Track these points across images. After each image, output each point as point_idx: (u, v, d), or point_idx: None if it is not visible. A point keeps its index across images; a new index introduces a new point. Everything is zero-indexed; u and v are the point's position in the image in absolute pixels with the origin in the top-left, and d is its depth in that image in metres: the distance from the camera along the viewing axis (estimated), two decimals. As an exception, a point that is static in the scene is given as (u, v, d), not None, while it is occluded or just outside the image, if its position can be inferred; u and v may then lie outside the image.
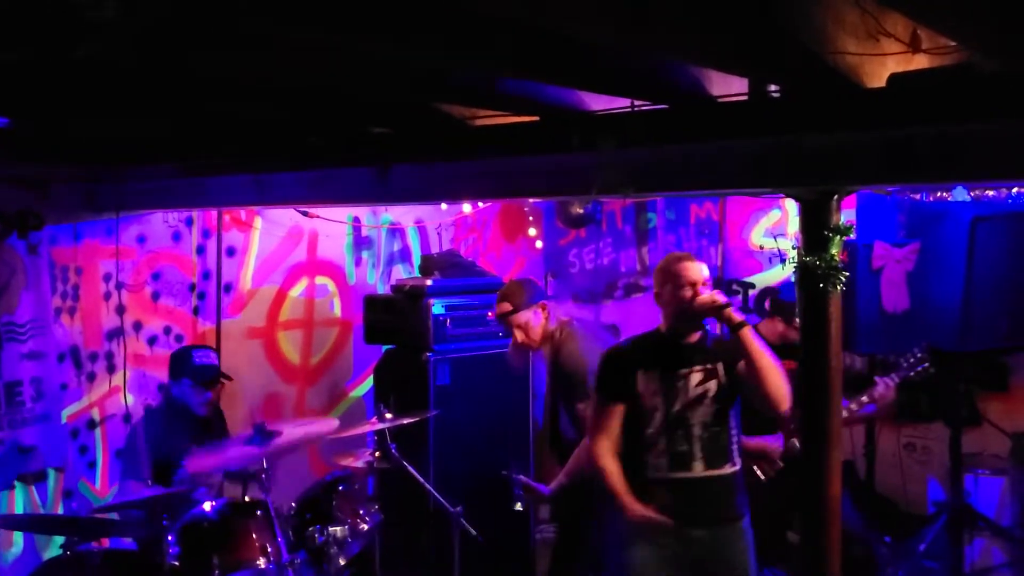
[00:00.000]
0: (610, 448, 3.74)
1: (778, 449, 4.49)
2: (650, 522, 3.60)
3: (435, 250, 6.52)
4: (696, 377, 3.70)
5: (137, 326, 5.38)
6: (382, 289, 6.25)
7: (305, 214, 5.80)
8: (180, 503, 4.15)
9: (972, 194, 4.68)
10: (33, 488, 5.04)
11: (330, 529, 4.28)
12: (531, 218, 6.88)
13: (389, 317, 5.67)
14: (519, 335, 4.54)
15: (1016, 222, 4.63)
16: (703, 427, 3.68)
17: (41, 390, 5.01)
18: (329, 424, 4.80)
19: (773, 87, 2.83)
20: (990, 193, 4.72)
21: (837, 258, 2.82)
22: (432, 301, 5.44)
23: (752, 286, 5.99)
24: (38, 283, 4.99)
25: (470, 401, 5.45)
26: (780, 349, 4.64)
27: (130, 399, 5.28)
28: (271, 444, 4.19)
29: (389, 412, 4.65)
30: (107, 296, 5.28)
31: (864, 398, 4.51)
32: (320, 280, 6.12)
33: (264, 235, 5.84)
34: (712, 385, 3.70)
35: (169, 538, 3.93)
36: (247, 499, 4.36)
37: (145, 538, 4.22)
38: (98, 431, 5.28)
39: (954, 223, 4.57)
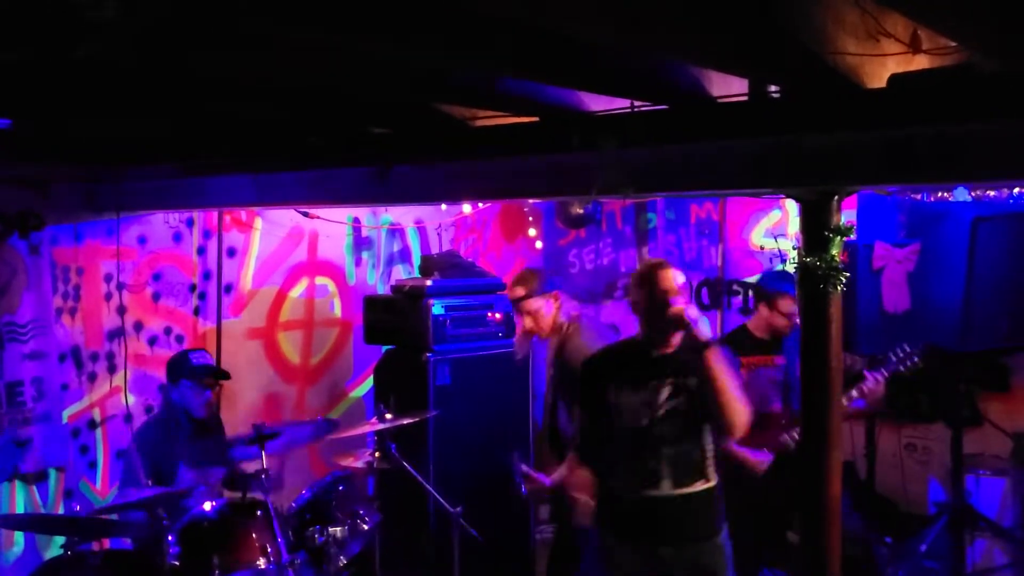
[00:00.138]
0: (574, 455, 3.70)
1: (761, 463, 4.49)
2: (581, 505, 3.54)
3: (435, 250, 6.52)
4: (666, 391, 3.56)
5: (138, 326, 5.38)
6: (382, 289, 6.25)
7: (305, 215, 5.80)
8: (180, 503, 4.15)
9: (973, 194, 4.68)
10: (34, 488, 5.04)
11: (330, 529, 4.28)
12: (531, 218, 6.88)
13: (389, 317, 5.67)
14: (528, 322, 4.55)
15: (1017, 222, 4.63)
16: (673, 443, 3.55)
17: (42, 390, 5.01)
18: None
19: (773, 87, 2.83)
20: (991, 193, 4.73)
21: (837, 258, 2.81)
22: (432, 301, 5.44)
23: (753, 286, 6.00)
24: (39, 283, 5.00)
25: (470, 401, 5.44)
26: (770, 344, 4.68)
27: (131, 399, 5.28)
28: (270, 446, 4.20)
29: (389, 412, 4.65)
30: (108, 296, 5.28)
31: (854, 392, 4.50)
32: (320, 280, 6.12)
33: (264, 236, 5.84)
34: (683, 400, 3.56)
35: (169, 538, 3.94)
36: (247, 499, 4.36)
37: (145, 538, 4.22)
38: (99, 431, 5.28)
39: (955, 223, 4.57)
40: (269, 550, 4.02)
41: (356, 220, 6.21)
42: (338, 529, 4.30)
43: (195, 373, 4.61)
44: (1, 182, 4.79)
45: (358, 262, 6.27)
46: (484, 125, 3.57)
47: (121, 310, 5.30)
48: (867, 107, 2.57)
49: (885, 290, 4.72)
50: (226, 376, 4.93)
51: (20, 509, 4.98)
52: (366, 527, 4.46)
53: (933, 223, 4.73)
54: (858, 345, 4.52)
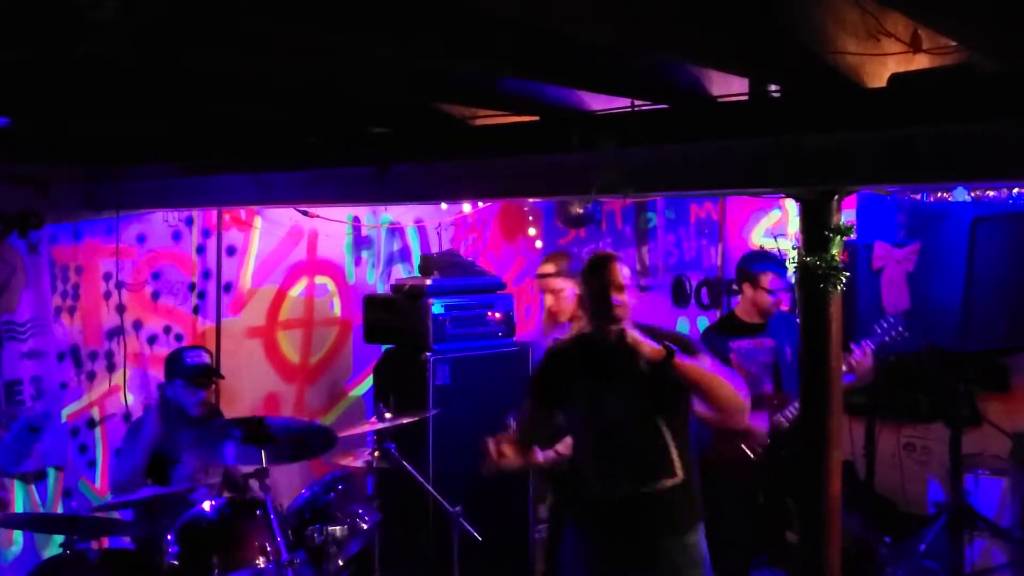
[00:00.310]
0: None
1: (763, 429, 4.51)
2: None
3: (435, 250, 6.52)
4: (626, 389, 3.43)
5: (137, 325, 5.38)
6: (382, 289, 6.25)
7: (305, 214, 5.80)
8: (179, 503, 4.15)
9: (972, 194, 4.69)
10: (33, 487, 5.04)
11: (329, 529, 4.28)
12: (531, 218, 6.88)
13: (389, 317, 5.67)
14: (550, 300, 4.62)
15: (1016, 222, 4.63)
16: (634, 440, 3.43)
17: (41, 389, 5.01)
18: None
19: (773, 87, 2.82)
20: (990, 193, 4.73)
21: (837, 258, 2.81)
22: (432, 301, 5.44)
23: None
24: (38, 282, 5.00)
25: (469, 401, 5.44)
26: (758, 326, 4.69)
27: (130, 398, 5.29)
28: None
29: (388, 412, 4.64)
30: (107, 295, 5.28)
31: (843, 367, 4.51)
32: (320, 280, 6.12)
33: (264, 234, 5.84)
34: (644, 398, 3.42)
35: (168, 537, 3.94)
36: (246, 498, 4.36)
37: (144, 537, 4.22)
38: (98, 430, 5.28)
39: (954, 223, 4.57)
40: (268, 549, 4.02)
41: (356, 219, 6.21)
42: (337, 528, 4.30)
43: (188, 373, 4.61)
44: (1, 181, 4.79)
45: (358, 261, 6.27)
46: (484, 124, 3.56)
47: (120, 309, 5.30)
48: (867, 107, 2.57)
49: (884, 290, 4.73)
50: (219, 375, 4.93)
51: (19, 508, 4.98)
52: (365, 526, 4.46)
53: (933, 223, 4.73)
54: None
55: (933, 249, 4.67)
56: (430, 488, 4.73)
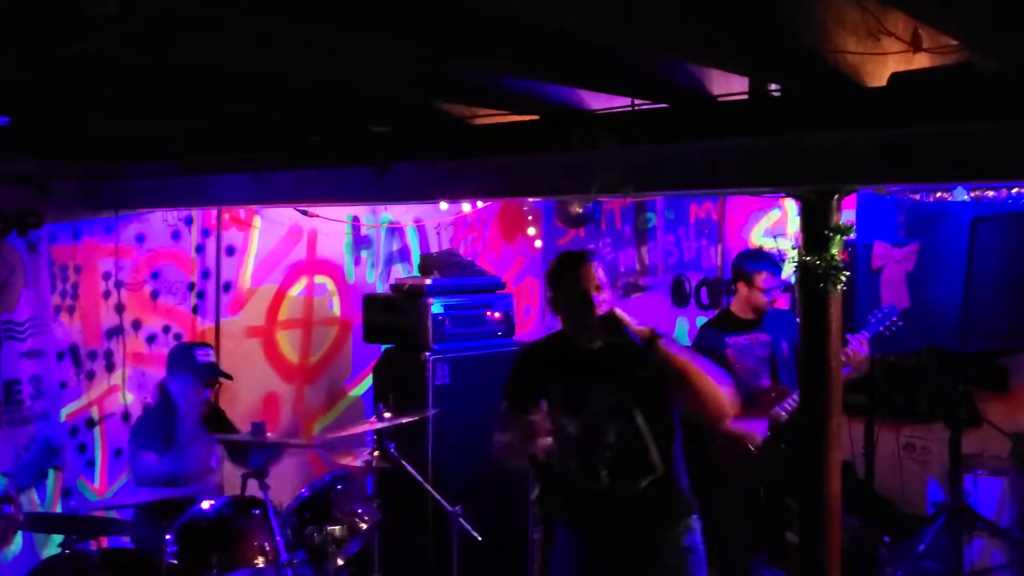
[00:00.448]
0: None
1: (757, 436, 4.54)
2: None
3: (434, 249, 6.51)
4: (596, 388, 3.38)
5: (136, 325, 5.38)
6: (381, 288, 6.25)
7: (304, 213, 5.79)
8: (178, 502, 4.15)
9: (972, 194, 4.68)
10: (32, 486, 5.03)
11: (329, 528, 4.27)
12: (530, 217, 6.88)
13: (388, 316, 5.67)
14: None
15: (1016, 222, 4.63)
16: (613, 440, 3.37)
17: (40, 388, 5.00)
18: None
19: (773, 86, 2.83)
20: (990, 193, 4.73)
21: (837, 257, 2.81)
22: (431, 300, 5.44)
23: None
24: (37, 281, 4.99)
25: (469, 400, 5.43)
26: (753, 322, 4.73)
27: (129, 398, 5.28)
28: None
29: (388, 411, 4.64)
30: (106, 294, 5.27)
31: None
32: (319, 279, 6.11)
33: (263, 234, 5.84)
34: (621, 395, 3.36)
35: (167, 537, 3.93)
36: (246, 498, 4.36)
37: (144, 537, 4.22)
38: (97, 430, 5.27)
39: (954, 223, 4.57)
40: (267, 549, 4.02)
41: (355, 219, 6.21)
42: (337, 528, 4.29)
43: (200, 371, 4.59)
44: (0, 180, 4.79)
45: (357, 261, 6.27)
46: (484, 123, 3.57)
47: (119, 308, 5.29)
48: (867, 106, 2.57)
49: (884, 290, 4.73)
50: (228, 377, 4.92)
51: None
52: (365, 526, 4.45)
53: (932, 223, 4.73)
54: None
55: (933, 249, 4.67)
56: (429, 488, 4.72)
